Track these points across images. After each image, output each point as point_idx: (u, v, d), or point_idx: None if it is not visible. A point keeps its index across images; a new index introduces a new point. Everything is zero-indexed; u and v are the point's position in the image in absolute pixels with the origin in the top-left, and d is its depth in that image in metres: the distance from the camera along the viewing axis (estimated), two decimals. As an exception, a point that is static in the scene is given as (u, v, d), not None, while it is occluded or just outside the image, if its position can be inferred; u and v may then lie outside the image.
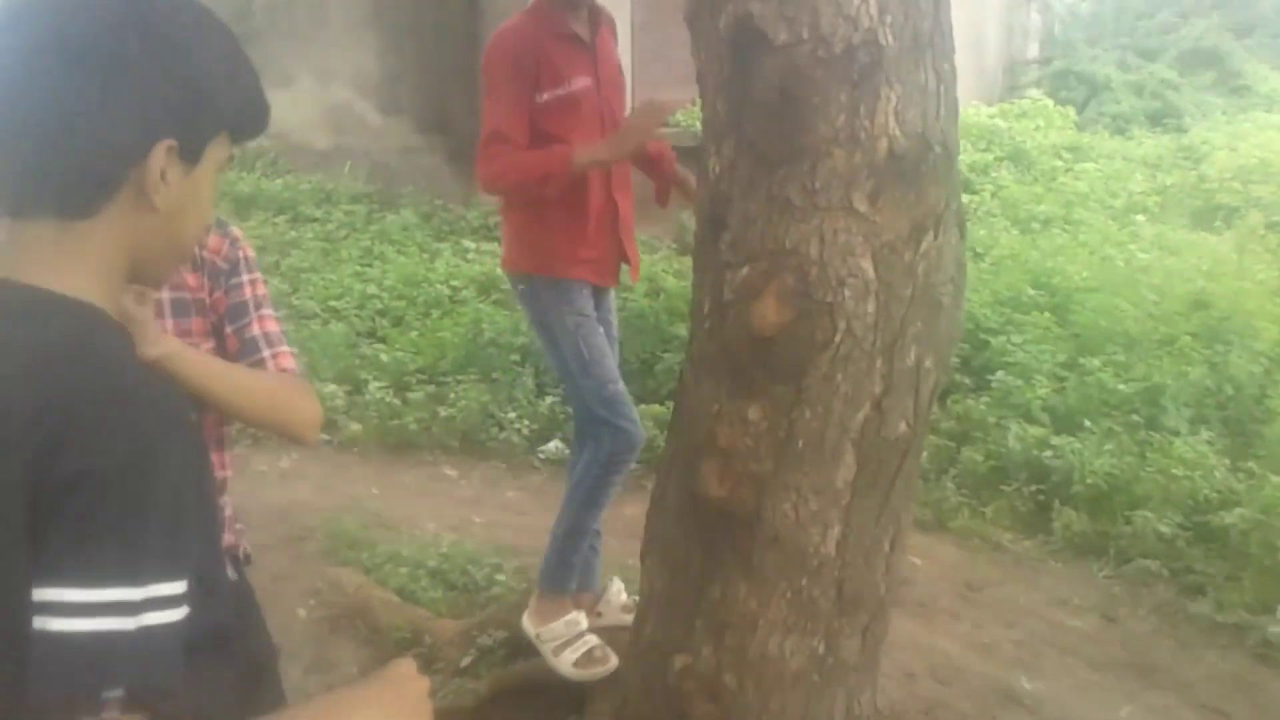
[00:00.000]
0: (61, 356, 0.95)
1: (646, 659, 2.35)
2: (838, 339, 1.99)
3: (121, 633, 0.86)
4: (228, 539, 1.74)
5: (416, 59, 8.20)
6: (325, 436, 5.15)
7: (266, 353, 1.73)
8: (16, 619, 0.86)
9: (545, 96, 2.65)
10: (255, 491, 4.55)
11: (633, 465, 3.01)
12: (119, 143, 1.00)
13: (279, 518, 4.27)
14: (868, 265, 1.97)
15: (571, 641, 2.88)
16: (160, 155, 1.01)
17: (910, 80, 1.96)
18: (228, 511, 1.79)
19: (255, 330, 1.73)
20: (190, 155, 1.05)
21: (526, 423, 5.20)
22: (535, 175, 2.63)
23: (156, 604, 0.88)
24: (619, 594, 3.10)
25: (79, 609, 0.85)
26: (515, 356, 5.60)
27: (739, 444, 2.09)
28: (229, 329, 1.72)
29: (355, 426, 5.22)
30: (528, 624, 2.96)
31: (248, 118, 1.12)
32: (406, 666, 1.06)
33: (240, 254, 1.75)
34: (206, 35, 1.06)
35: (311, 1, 8.58)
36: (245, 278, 1.75)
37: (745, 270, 2.05)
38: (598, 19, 2.80)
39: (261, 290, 1.77)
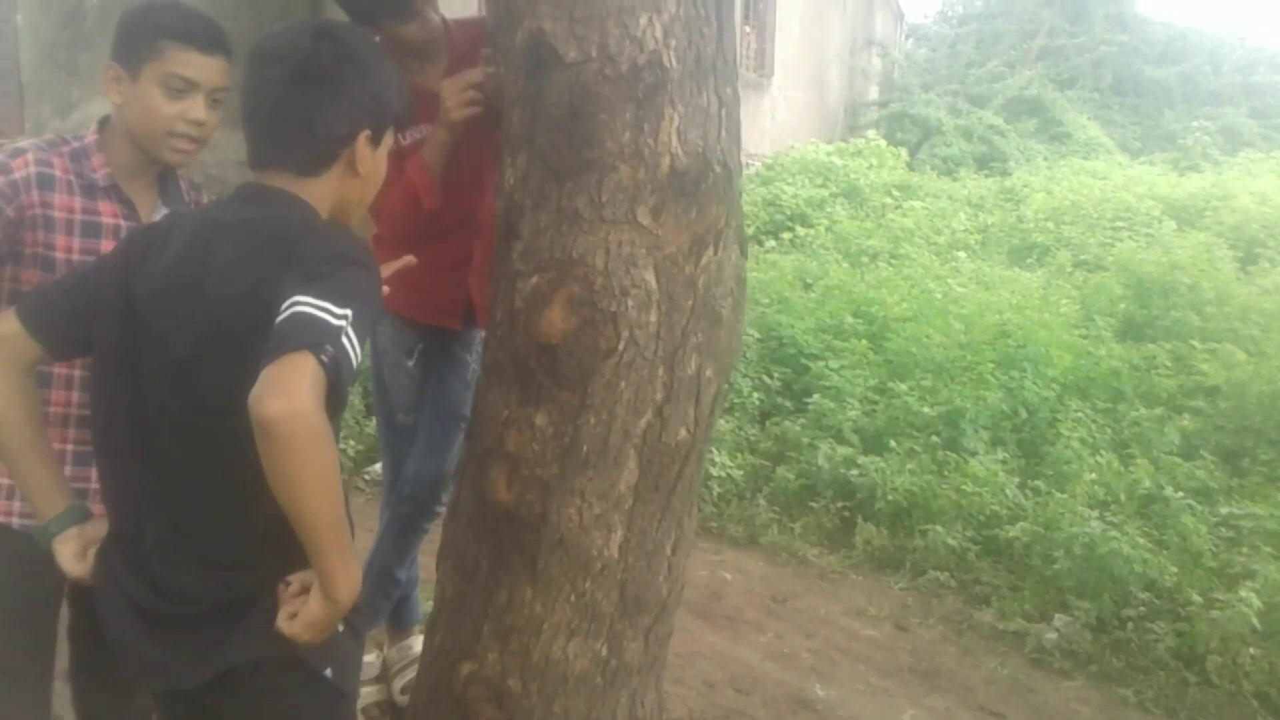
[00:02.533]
0: (306, 216, 1.59)
1: (435, 667, 2.36)
2: (621, 347, 2.05)
3: (339, 329, 1.38)
4: None
5: (254, 69, 8.03)
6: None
7: None
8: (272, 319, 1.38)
9: (404, 141, 2.57)
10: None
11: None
12: (339, 134, 1.61)
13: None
14: (650, 277, 2.05)
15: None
16: (362, 141, 1.62)
17: (693, 102, 2.05)
18: None
19: None
20: (376, 141, 1.66)
21: (353, 443, 5.13)
22: (409, 200, 2.52)
23: (349, 328, 1.40)
24: None
25: (321, 307, 1.38)
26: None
27: (526, 449, 2.13)
28: None
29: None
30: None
31: (406, 116, 1.76)
32: None
33: None
34: (384, 63, 1.67)
35: (144, 4, 8.28)
36: None
37: (534, 279, 2.10)
38: (459, 55, 2.59)
39: None
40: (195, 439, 1.56)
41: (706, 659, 3.41)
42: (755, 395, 5.39)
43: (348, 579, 1.47)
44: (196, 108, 1.94)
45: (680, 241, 2.07)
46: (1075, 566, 3.70)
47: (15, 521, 1.96)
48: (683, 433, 2.16)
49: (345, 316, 1.40)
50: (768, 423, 5.23)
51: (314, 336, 1.35)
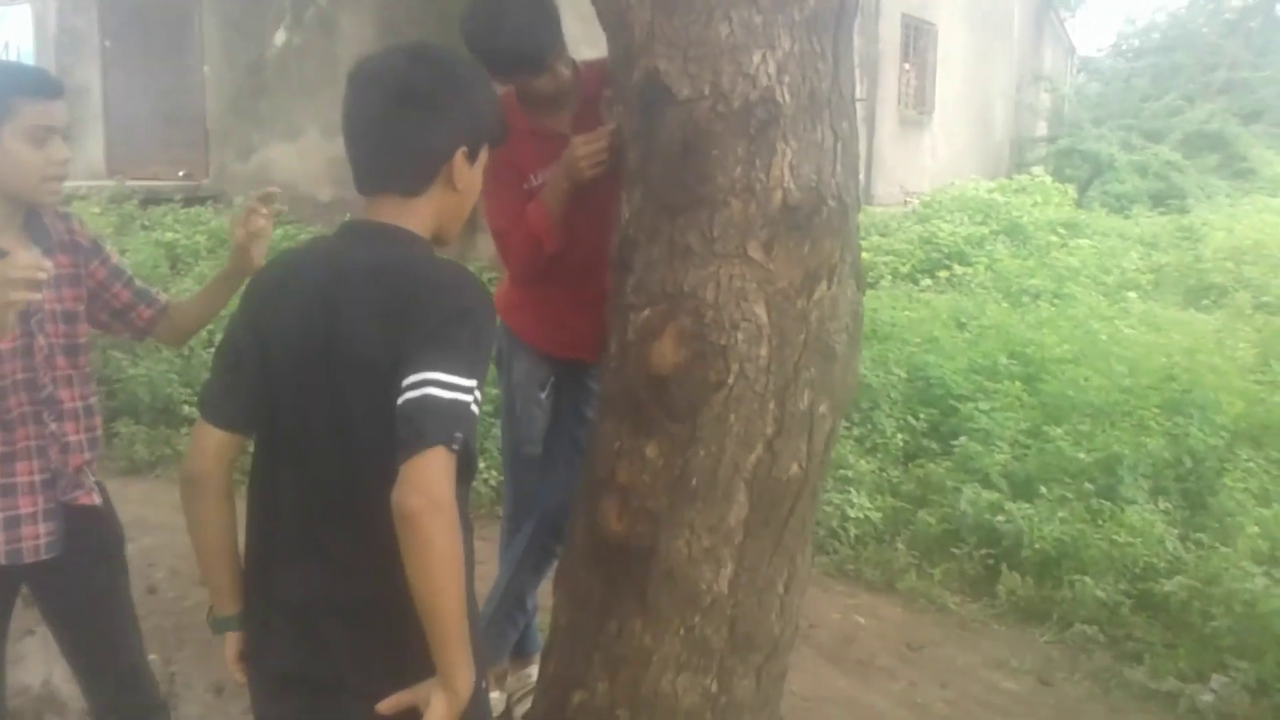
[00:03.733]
0: (424, 257, 1.65)
1: (549, 694, 2.39)
2: (731, 380, 2.06)
3: (466, 405, 1.46)
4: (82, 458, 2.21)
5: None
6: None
7: (162, 299, 2.37)
8: (392, 401, 1.46)
9: (535, 181, 2.67)
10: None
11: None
12: (438, 150, 1.65)
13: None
14: (761, 311, 2.05)
15: None
16: (459, 157, 1.66)
17: (806, 137, 2.05)
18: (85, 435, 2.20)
19: (139, 284, 2.34)
20: (473, 157, 1.70)
21: (494, 474, 5.24)
22: (531, 242, 2.62)
23: (475, 395, 1.48)
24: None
25: (449, 385, 1.45)
26: (488, 407, 5.65)
27: (637, 481, 2.15)
28: (118, 286, 2.29)
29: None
30: None
31: (500, 134, 1.76)
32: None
33: (91, 234, 2.28)
34: (480, 81, 1.73)
35: (321, 56, 8.80)
36: (107, 249, 2.30)
37: (646, 312, 2.13)
38: (588, 96, 2.65)
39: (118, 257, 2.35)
40: (341, 473, 1.63)
41: (835, 704, 3.34)
42: (899, 436, 5.26)
43: (467, 671, 1.52)
44: (60, 148, 2.07)
45: (792, 276, 2.06)
46: (1235, 625, 3.45)
47: None
48: (794, 468, 2.14)
49: (471, 388, 1.48)
50: (911, 465, 5.09)
51: (445, 425, 1.43)
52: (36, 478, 2.13)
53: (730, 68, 2.01)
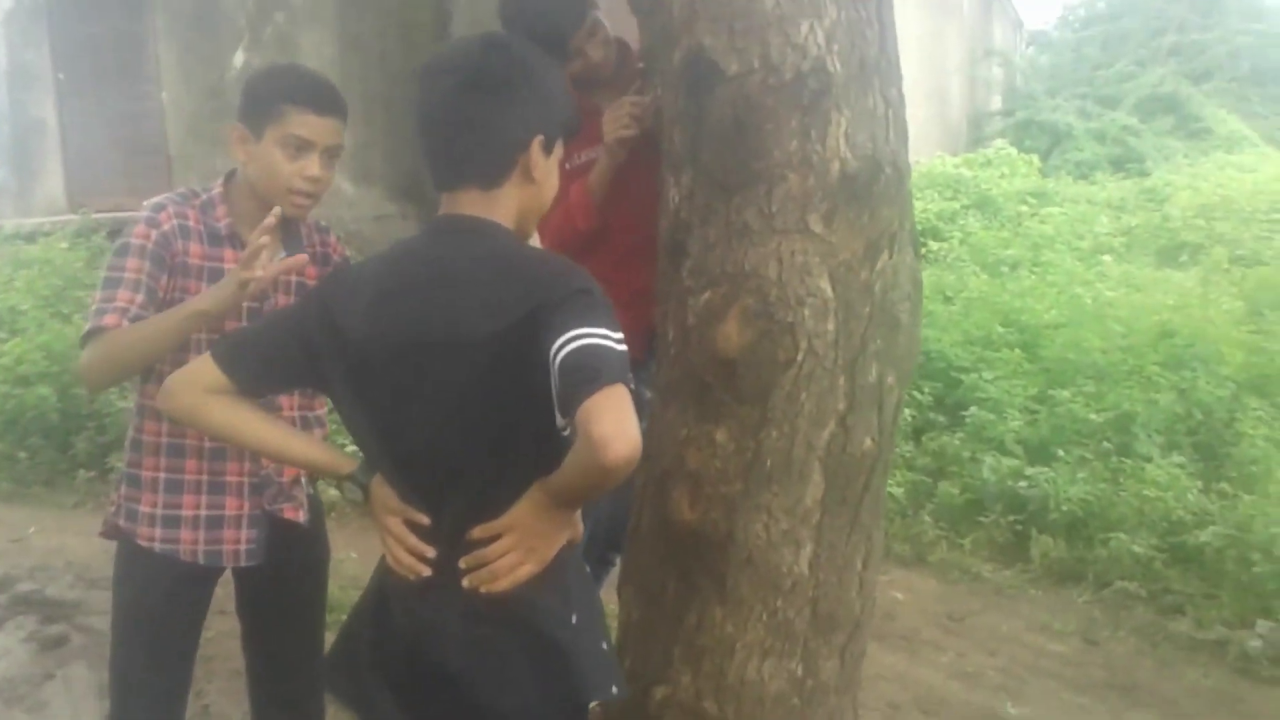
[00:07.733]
0: (520, 248, 1.63)
1: (626, 691, 2.34)
2: (800, 358, 2.02)
3: (622, 352, 1.44)
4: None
5: (387, 128, 8.27)
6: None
7: None
8: (547, 359, 1.44)
9: (579, 160, 2.66)
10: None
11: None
12: (515, 140, 1.60)
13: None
14: (825, 285, 2.02)
15: None
16: (536, 146, 1.61)
17: (859, 105, 2.02)
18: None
19: None
20: (548, 148, 1.64)
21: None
22: (567, 218, 2.62)
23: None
24: None
25: (604, 336, 1.43)
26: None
27: (708, 467, 2.11)
28: None
29: (333, 492, 5.17)
30: None
31: (573, 124, 1.71)
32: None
33: (343, 253, 2.34)
34: (552, 71, 1.68)
35: (282, 74, 8.68)
36: None
37: (707, 294, 2.09)
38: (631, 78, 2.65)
39: None
40: (443, 461, 1.60)
41: (888, 681, 3.32)
42: (906, 412, 5.26)
43: (570, 526, 1.66)
44: (312, 165, 2.07)
45: (854, 247, 2.03)
46: (1277, 570, 3.48)
47: (157, 546, 2.10)
48: (868, 442, 2.11)
49: (622, 341, 1.46)
50: (923, 438, 5.10)
51: (617, 368, 1.42)
52: (245, 480, 2.13)
53: (778, 39, 1.98)
